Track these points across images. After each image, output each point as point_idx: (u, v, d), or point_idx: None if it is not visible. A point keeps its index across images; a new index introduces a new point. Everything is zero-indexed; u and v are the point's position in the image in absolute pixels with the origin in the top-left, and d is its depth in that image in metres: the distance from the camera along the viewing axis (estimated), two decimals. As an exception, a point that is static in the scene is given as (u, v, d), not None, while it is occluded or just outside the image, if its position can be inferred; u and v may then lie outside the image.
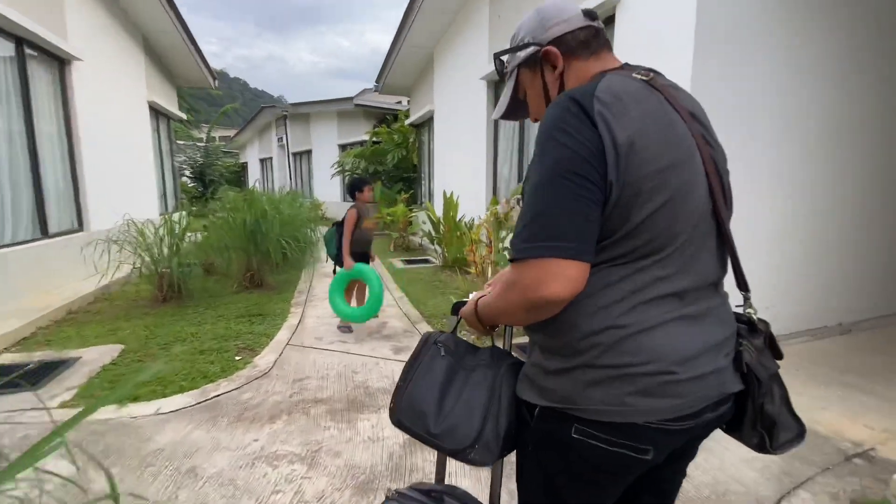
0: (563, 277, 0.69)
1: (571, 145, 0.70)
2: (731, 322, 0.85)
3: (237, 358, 3.23)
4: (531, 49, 0.87)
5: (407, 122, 10.08)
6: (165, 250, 4.55)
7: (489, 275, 3.75)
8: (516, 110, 1.01)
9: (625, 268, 0.76)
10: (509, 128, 5.72)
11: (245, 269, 5.20)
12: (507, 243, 3.66)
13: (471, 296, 1.21)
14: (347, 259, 3.61)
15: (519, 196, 3.50)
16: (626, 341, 0.75)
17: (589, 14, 0.86)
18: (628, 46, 3.42)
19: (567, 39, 0.84)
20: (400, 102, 12.63)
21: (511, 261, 0.74)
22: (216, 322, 4.02)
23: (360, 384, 2.86)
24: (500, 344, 1.06)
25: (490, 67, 5.58)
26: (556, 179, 0.70)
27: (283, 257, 5.36)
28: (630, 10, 3.40)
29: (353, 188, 3.74)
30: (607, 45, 0.86)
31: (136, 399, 2.64)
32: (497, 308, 0.84)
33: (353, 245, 3.66)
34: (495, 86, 5.93)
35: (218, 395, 2.68)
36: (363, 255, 3.78)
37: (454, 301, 1.13)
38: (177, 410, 2.52)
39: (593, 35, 0.85)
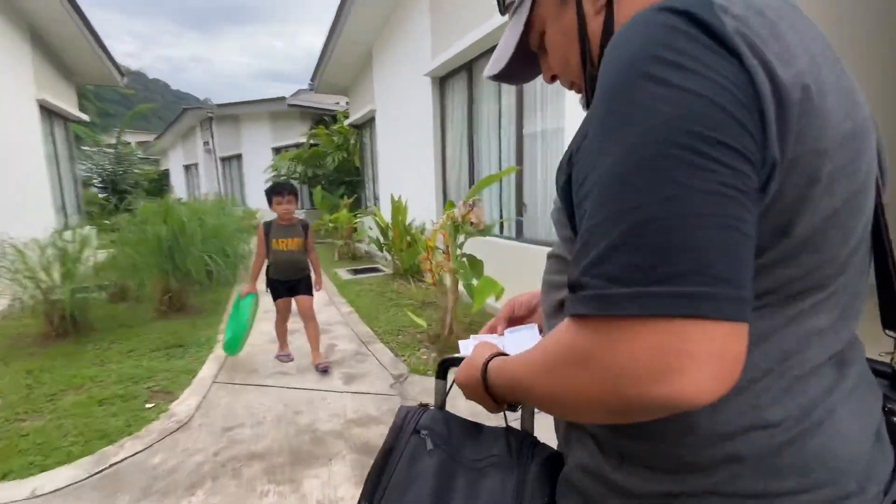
0: (714, 358, 0.34)
1: (699, 89, 0.36)
2: (874, 382, 0.56)
3: (148, 406, 2.63)
4: None
5: (346, 122, 9.53)
6: (56, 275, 3.76)
7: (447, 283, 3.41)
8: (521, 66, 0.66)
9: (771, 317, 0.43)
10: (458, 126, 5.42)
11: (163, 292, 4.48)
12: (465, 248, 3.34)
13: (467, 345, 0.83)
14: (252, 284, 3.10)
15: (477, 197, 3.19)
16: (785, 451, 0.42)
17: None
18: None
19: None
20: (338, 103, 12.01)
21: (577, 316, 0.39)
22: (124, 359, 3.34)
23: (305, 428, 2.40)
24: (514, 418, 0.71)
25: (434, 64, 5.26)
26: (673, 156, 0.35)
27: (209, 275, 4.69)
28: None
29: (267, 198, 3.10)
30: None
31: (5, 477, 2.01)
32: (543, 391, 0.45)
33: (271, 271, 3.08)
34: (441, 82, 5.61)
35: (119, 462, 2.11)
36: (288, 286, 3.11)
37: (440, 358, 0.76)
38: (60, 489, 1.93)
39: None
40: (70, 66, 8.16)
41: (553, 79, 0.65)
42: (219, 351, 3.48)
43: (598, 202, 0.39)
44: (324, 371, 3.07)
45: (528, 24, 0.60)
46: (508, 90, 4.43)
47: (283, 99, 11.85)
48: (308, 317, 3.15)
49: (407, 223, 5.71)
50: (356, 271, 6.69)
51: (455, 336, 3.32)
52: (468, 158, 5.24)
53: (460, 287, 3.35)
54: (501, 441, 0.66)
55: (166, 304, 4.47)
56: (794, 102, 0.37)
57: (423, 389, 2.77)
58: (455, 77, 5.32)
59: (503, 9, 0.64)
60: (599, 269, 0.37)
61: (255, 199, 13.61)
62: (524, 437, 0.66)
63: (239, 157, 14.94)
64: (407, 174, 6.55)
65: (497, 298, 3.11)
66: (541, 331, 0.78)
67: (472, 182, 5.23)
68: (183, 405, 2.63)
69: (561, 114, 3.64)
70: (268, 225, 3.09)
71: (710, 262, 0.34)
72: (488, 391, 0.60)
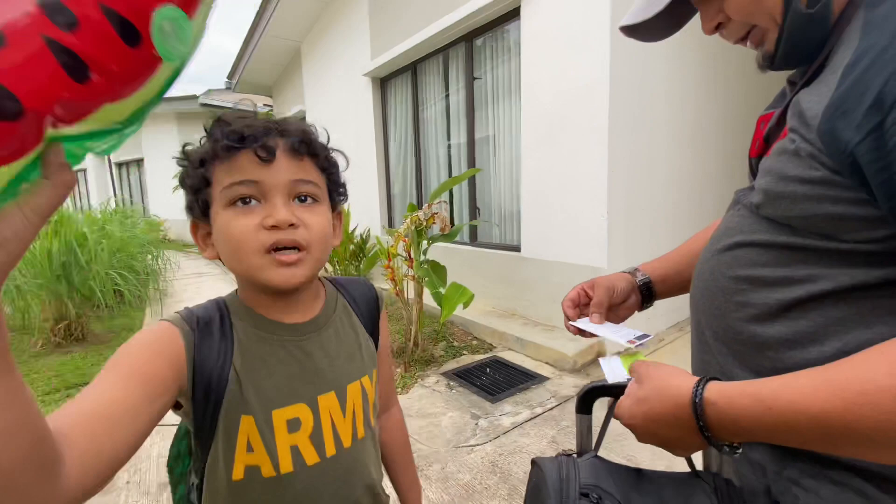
0: None
1: None
2: None
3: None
4: None
5: (270, 125, 8.86)
6: None
7: (408, 293, 3.18)
8: (672, 11, 0.55)
9: None
10: (402, 129, 5.22)
11: (56, 318, 3.70)
12: (429, 254, 3.14)
13: (611, 365, 0.64)
14: None
15: (442, 200, 3.02)
16: None
17: None
18: (538, 42, 3.21)
19: None
20: (258, 105, 11.17)
21: None
22: (8, 407, 2.66)
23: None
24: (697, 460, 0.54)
25: (374, 63, 5.02)
26: None
27: (117, 295, 3.99)
28: (536, 4, 3.20)
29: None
30: None
31: None
32: (886, 431, 0.32)
33: None
34: (382, 83, 5.37)
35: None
36: None
37: (587, 386, 0.57)
38: None
39: None
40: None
41: (716, 28, 0.52)
42: (138, 386, 2.92)
43: None
44: None
45: None
46: (455, 91, 4.34)
47: (194, 98, 10.76)
48: None
49: (350, 230, 5.36)
50: (291, 284, 6.16)
51: (421, 349, 3.11)
52: (414, 162, 5.06)
53: (425, 296, 3.14)
54: (697, 494, 0.49)
55: (61, 334, 3.70)
56: None
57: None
58: (398, 78, 5.13)
59: None
60: None
61: (161, 208, 12.18)
62: (725, 485, 0.50)
63: (139, 161, 13.31)
64: (347, 178, 6.18)
65: (465, 306, 2.96)
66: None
67: (419, 186, 5.05)
68: (100, 459, 2.12)
69: (515, 117, 3.61)
70: None
71: None
72: (705, 427, 0.43)
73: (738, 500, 0.48)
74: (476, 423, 2.30)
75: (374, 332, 0.69)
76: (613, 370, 0.59)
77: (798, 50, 0.47)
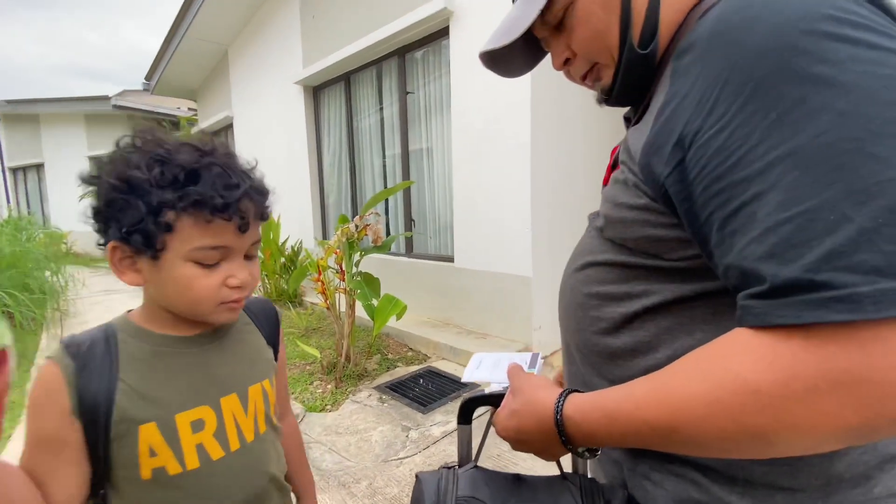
0: None
1: None
2: None
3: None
4: None
5: (195, 130, 8.34)
6: None
7: (340, 307, 3.13)
8: (521, 50, 0.60)
9: None
10: (336, 139, 5.15)
11: (-75, 347, 3.20)
12: (362, 266, 3.12)
13: (478, 366, 0.71)
14: None
15: (375, 212, 3.01)
16: None
17: None
18: (466, 60, 3.34)
19: None
20: (179, 108, 10.49)
21: (800, 326, 0.31)
22: None
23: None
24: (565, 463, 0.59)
25: (307, 72, 4.93)
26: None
27: (7, 318, 3.54)
28: (464, 23, 3.33)
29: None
30: None
31: None
32: (707, 430, 0.36)
33: None
34: (314, 92, 5.28)
35: None
36: None
37: (464, 398, 0.61)
38: None
39: None
40: None
41: (565, 63, 0.57)
42: (30, 419, 2.60)
43: (802, 182, 0.32)
44: None
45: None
46: (389, 104, 4.37)
47: (106, 98, 9.87)
48: None
49: (280, 242, 5.17)
50: (216, 300, 5.79)
51: (354, 363, 3.06)
52: (349, 172, 5.00)
53: (358, 309, 3.10)
54: (564, 494, 0.54)
55: (-68, 364, 3.20)
56: None
57: (324, 429, 2.45)
58: (331, 87, 5.06)
59: None
60: (850, 261, 0.29)
61: (64, 218, 10.99)
62: (589, 484, 0.55)
63: (39, 166, 11.94)
64: (277, 189, 5.94)
65: (399, 317, 2.96)
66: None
67: (354, 197, 5.00)
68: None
69: (447, 131, 3.71)
70: None
71: None
72: (567, 441, 0.48)
73: (599, 496, 0.53)
74: (406, 436, 2.30)
75: (273, 344, 0.75)
76: (481, 370, 0.64)
77: (631, 89, 0.52)
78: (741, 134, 0.35)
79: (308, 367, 3.25)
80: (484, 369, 0.68)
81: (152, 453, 0.58)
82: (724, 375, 0.35)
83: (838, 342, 0.30)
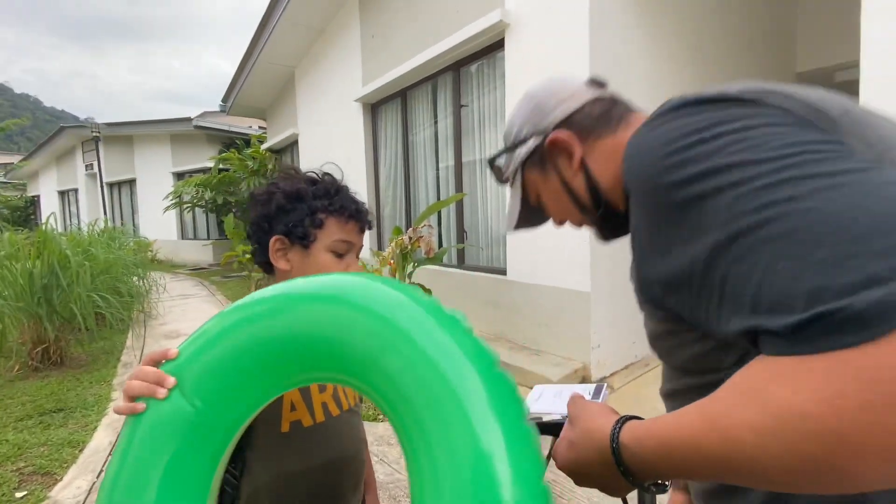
0: None
1: (769, 119, 0.39)
2: None
3: (20, 495, 2.02)
4: (532, 142, 0.64)
5: (264, 146, 8.93)
6: None
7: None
8: (532, 216, 0.74)
9: None
10: (392, 152, 5.29)
11: (34, 342, 3.63)
12: (415, 277, 3.15)
13: (539, 397, 0.67)
14: None
15: (428, 224, 3.05)
16: None
17: (596, 82, 0.65)
18: (521, 72, 3.31)
19: (578, 119, 0.61)
20: (251, 127, 11.29)
21: (820, 351, 0.29)
22: (-23, 434, 2.59)
23: None
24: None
25: (366, 90, 5.13)
26: (807, 152, 0.35)
27: (99, 318, 3.93)
28: (519, 34, 3.31)
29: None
30: (631, 107, 0.64)
31: None
32: (767, 461, 0.32)
33: None
34: (372, 109, 5.48)
35: (-29, 586, 1.54)
36: None
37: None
38: None
39: (611, 104, 0.62)
40: None
41: (562, 223, 0.70)
42: (114, 414, 2.85)
43: (779, 244, 0.32)
44: None
45: (525, 191, 0.68)
46: (444, 117, 4.43)
47: (188, 120, 10.85)
48: None
49: (338, 253, 5.36)
50: (279, 306, 6.10)
51: (405, 374, 3.08)
52: (403, 185, 5.11)
53: (409, 320, 3.13)
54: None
55: (39, 358, 3.62)
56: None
57: (375, 438, 2.48)
58: (388, 103, 5.23)
59: (502, 181, 0.72)
60: (841, 284, 0.29)
61: (151, 228, 12.14)
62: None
63: (132, 182, 13.32)
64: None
65: (450, 330, 2.95)
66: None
67: (408, 209, 5.09)
68: (69, 489, 2.05)
69: (501, 142, 3.68)
70: None
71: None
72: (626, 472, 0.44)
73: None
74: (457, 451, 2.26)
75: None
76: (543, 401, 0.61)
77: (614, 230, 0.64)
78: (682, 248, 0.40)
79: (361, 376, 3.32)
80: (544, 401, 0.65)
81: (293, 408, 0.72)
82: (765, 407, 0.32)
83: (864, 358, 0.28)
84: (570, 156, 0.61)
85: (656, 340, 0.53)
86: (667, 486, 0.45)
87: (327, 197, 0.77)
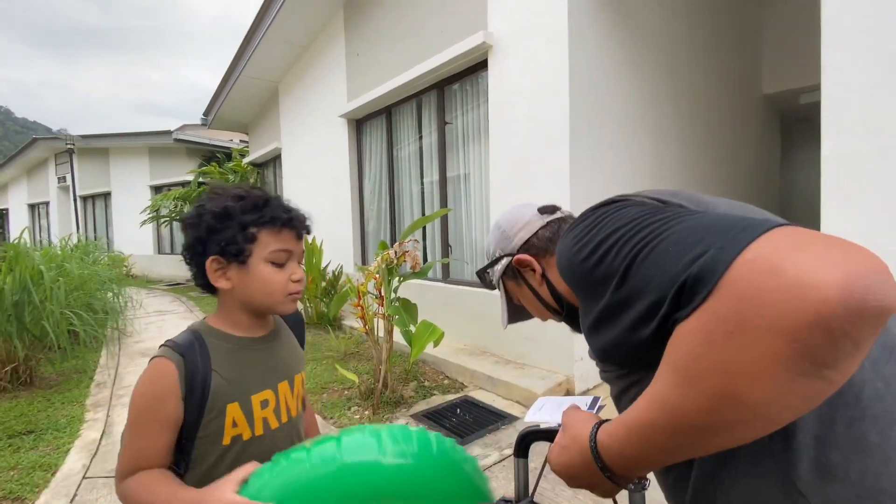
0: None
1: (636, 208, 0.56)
2: None
3: (-17, 524, 1.92)
4: (504, 261, 0.83)
5: (246, 160, 8.86)
6: None
7: (378, 332, 3.16)
8: (519, 313, 0.92)
9: None
10: (377, 167, 5.33)
11: (3, 361, 3.49)
12: (400, 291, 3.16)
13: (541, 408, 0.70)
14: None
15: (413, 239, 3.07)
16: None
17: (546, 210, 0.83)
18: (503, 91, 3.41)
19: (534, 242, 0.80)
20: (232, 140, 11.20)
21: (715, 266, 0.38)
22: (-61, 460, 2.45)
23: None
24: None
25: (350, 106, 5.18)
26: (640, 219, 0.52)
27: (72, 336, 3.80)
28: (502, 55, 3.41)
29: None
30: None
31: None
32: (692, 408, 0.38)
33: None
34: (357, 124, 5.52)
35: None
36: None
37: (522, 432, 0.60)
38: None
39: (558, 227, 0.80)
40: None
41: (543, 319, 0.84)
42: (87, 435, 2.75)
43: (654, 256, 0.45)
44: None
45: (508, 294, 0.87)
46: (428, 133, 4.49)
47: (168, 133, 10.70)
48: None
49: (322, 267, 5.33)
50: (260, 322, 5.99)
51: (391, 390, 3.06)
52: (388, 200, 5.14)
53: (396, 335, 3.13)
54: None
55: (7, 378, 3.47)
56: None
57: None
58: (373, 119, 5.28)
59: (489, 287, 0.88)
60: (684, 265, 0.40)
61: (126, 243, 11.82)
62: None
63: (107, 195, 12.99)
64: (320, 216, 6.16)
65: (436, 344, 2.96)
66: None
67: (393, 224, 5.11)
68: (39, 517, 1.97)
69: (484, 159, 3.76)
70: None
71: None
72: (604, 468, 0.48)
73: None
74: (444, 467, 2.26)
75: (302, 343, 0.98)
76: (542, 412, 0.64)
77: (578, 326, 0.68)
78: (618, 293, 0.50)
79: (346, 392, 3.28)
80: (545, 411, 0.70)
81: (234, 425, 0.77)
82: (679, 359, 0.39)
83: (739, 279, 0.35)
84: (533, 270, 0.79)
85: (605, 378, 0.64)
86: (647, 484, 0.48)
87: (256, 210, 0.77)
